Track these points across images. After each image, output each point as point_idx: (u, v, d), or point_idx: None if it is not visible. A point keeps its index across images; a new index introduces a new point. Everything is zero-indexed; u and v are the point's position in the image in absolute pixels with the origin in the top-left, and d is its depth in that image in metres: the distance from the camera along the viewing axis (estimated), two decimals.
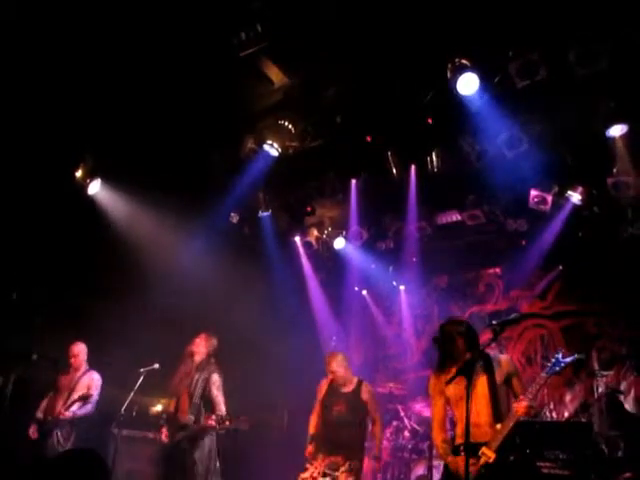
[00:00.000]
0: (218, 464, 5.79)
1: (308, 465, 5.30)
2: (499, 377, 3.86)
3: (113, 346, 6.81)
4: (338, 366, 5.49)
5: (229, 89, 6.27)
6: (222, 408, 5.62)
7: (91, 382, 6.25)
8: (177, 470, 5.50)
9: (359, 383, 5.56)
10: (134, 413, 6.10)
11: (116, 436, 5.95)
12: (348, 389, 5.51)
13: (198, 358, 5.80)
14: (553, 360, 3.76)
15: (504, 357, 4.13)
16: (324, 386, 5.65)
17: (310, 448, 5.42)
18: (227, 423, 5.43)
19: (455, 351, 3.90)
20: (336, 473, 5.14)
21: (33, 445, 5.95)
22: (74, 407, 6.02)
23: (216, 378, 5.72)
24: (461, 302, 9.12)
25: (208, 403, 5.66)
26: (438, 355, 4.10)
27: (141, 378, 5.93)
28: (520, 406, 3.65)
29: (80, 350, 6.39)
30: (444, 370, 3.97)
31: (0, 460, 5.86)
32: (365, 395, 5.51)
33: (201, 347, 5.84)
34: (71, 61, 5.70)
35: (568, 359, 3.73)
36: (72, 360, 6.33)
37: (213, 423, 5.35)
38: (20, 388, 6.91)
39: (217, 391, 5.67)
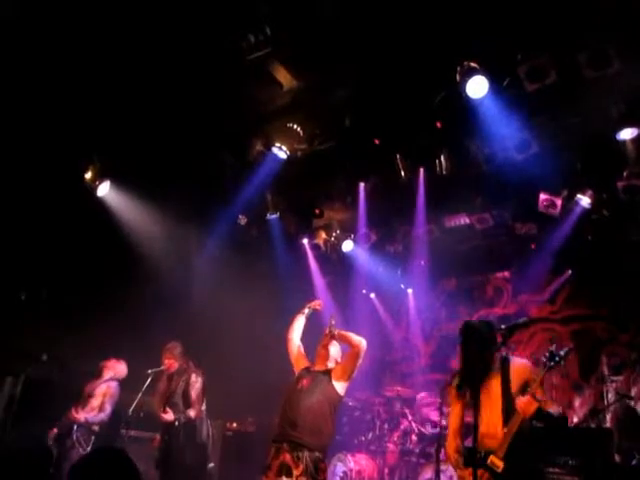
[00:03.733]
0: (212, 464, 6.06)
1: (264, 478, 4.56)
2: (515, 385, 3.69)
3: (122, 347, 6.83)
4: (336, 347, 5.04)
5: (238, 92, 6.29)
6: (194, 408, 5.95)
7: (108, 390, 6.37)
8: (167, 468, 5.86)
9: (333, 367, 4.94)
10: (142, 414, 6.12)
11: (124, 437, 5.98)
12: (320, 368, 4.92)
13: (172, 369, 6.16)
14: (547, 354, 3.69)
15: (521, 363, 3.86)
16: (299, 368, 5.04)
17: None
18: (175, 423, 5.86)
19: (478, 356, 3.71)
20: (290, 479, 4.44)
21: (54, 444, 6.05)
22: (89, 413, 6.18)
23: (194, 379, 6.09)
24: (469, 306, 9.09)
25: (187, 401, 6.01)
26: (460, 358, 3.90)
27: (149, 379, 5.97)
28: (521, 401, 3.55)
29: (118, 363, 6.57)
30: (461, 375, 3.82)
31: (13, 458, 5.88)
32: (335, 371, 4.87)
33: (167, 360, 6.16)
34: (82, 64, 5.74)
35: (562, 352, 3.68)
36: (103, 370, 6.49)
37: (165, 416, 5.82)
38: (30, 388, 6.95)
39: (194, 392, 6.03)
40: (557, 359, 3.66)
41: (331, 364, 4.96)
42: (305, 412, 4.57)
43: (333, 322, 5.06)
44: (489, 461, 3.53)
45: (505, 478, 3.49)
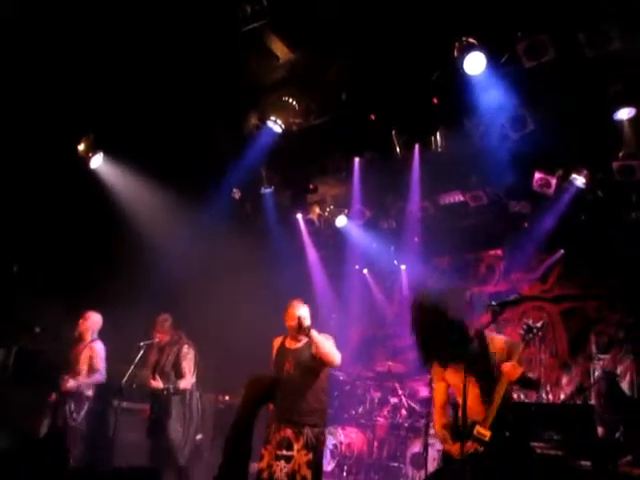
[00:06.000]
0: (200, 436, 6.17)
1: (263, 450, 4.67)
2: (495, 364, 3.67)
3: (114, 319, 6.84)
4: (306, 314, 4.87)
5: (233, 64, 6.20)
6: (186, 379, 6.08)
7: (93, 352, 6.23)
8: (157, 439, 5.95)
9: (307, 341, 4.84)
10: (134, 386, 6.16)
11: (116, 408, 6.03)
12: (296, 344, 4.88)
13: (163, 342, 6.27)
14: (525, 327, 3.72)
15: (500, 339, 3.83)
16: (276, 345, 5.03)
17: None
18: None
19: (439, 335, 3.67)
20: (290, 452, 4.54)
21: (49, 415, 6.07)
22: (78, 376, 6.07)
23: (186, 350, 6.21)
24: (462, 283, 9.12)
25: (179, 372, 6.12)
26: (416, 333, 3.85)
27: (141, 352, 6.00)
28: (506, 366, 3.56)
29: (85, 321, 6.37)
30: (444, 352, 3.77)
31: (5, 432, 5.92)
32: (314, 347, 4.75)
33: (158, 333, 6.26)
34: (74, 35, 5.64)
35: (538, 324, 3.72)
36: (84, 334, 6.35)
37: (154, 383, 5.99)
38: (22, 360, 6.97)
39: (185, 362, 6.14)
40: (535, 331, 3.69)
41: (303, 335, 4.81)
42: (300, 396, 4.67)
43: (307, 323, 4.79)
44: (475, 431, 3.52)
45: (493, 446, 3.50)
